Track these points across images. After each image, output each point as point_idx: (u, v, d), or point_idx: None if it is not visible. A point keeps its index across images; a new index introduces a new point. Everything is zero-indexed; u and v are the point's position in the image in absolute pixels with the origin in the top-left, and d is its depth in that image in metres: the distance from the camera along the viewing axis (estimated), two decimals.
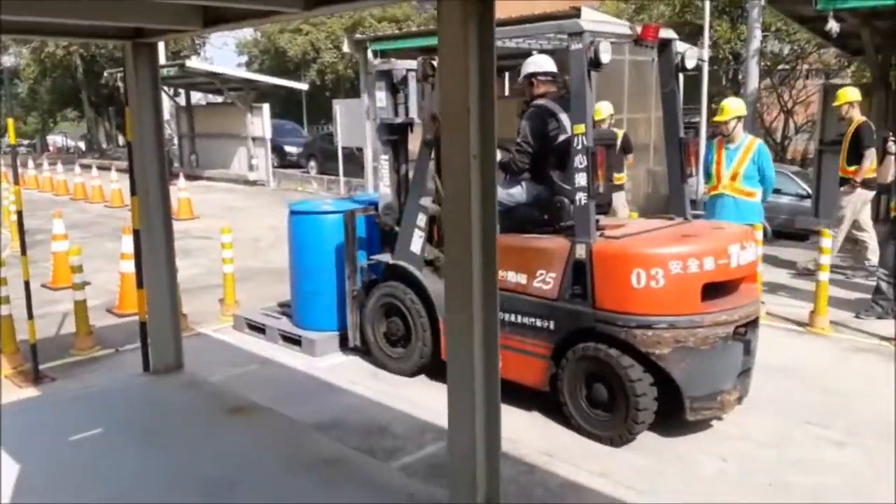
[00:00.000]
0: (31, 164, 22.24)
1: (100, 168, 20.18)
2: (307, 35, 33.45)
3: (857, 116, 7.92)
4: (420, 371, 5.53)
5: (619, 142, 8.50)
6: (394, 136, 5.78)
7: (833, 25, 8.29)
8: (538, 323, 4.63)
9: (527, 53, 5.33)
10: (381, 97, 5.71)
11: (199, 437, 3.53)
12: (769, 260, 8.34)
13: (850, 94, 7.95)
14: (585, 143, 4.40)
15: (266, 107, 20.73)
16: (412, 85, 5.61)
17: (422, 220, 5.36)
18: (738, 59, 19.56)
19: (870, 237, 7.97)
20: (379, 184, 5.90)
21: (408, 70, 5.60)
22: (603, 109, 8.42)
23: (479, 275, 2.57)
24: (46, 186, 19.78)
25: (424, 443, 4.42)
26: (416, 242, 5.40)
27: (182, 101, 25.08)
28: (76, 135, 44.09)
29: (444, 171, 2.65)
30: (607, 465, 4.13)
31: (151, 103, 4.32)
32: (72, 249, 6.59)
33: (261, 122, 20.59)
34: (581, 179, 4.43)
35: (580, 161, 4.42)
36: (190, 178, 18.92)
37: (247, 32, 38.28)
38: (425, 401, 5.00)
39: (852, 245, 8.39)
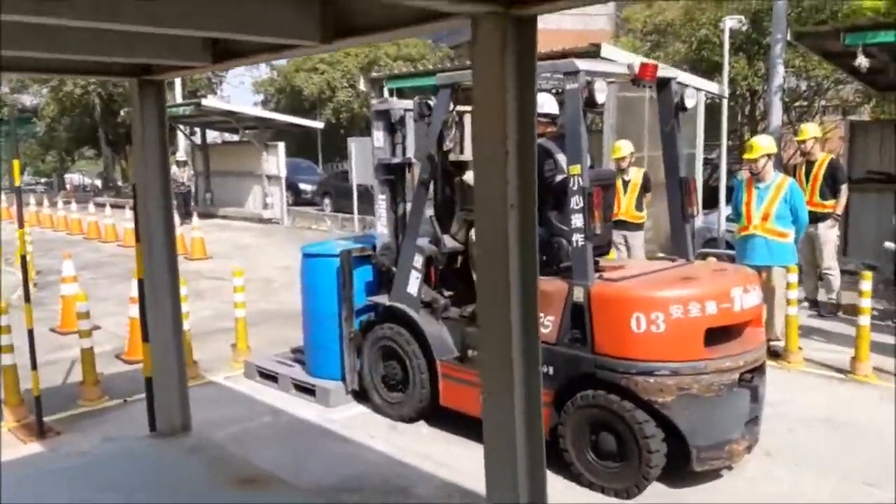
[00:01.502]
0: (46, 202, 22.19)
1: (113, 206, 20.16)
2: (323, 74, 33.59)
3: (819, 152, 8.07)
4: (419, 417, 5.33)
5: (640, 180, 8.29)
6: (391, 175, 5.69)
7: (862, 61, 8.14)
8: None
9: None
10: (379, 136, 5.66)
11: None
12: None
13: (813, 131, 8.10)
14: (581, 183, 4.28)
15: (281, 145, 20.72)
16: (410, 125, 5.55)
17: (418, 261, 5.25)
18: (754, 96, 19.38)
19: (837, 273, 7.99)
20: (377, 224, 5.74)
21: (405, 110, 5.54)
22: (623, 147, 8.27)
23: (519, 334, 2.32)
24: (61, 225, 19.72)
25: None
26: (413, 284, 5.26)
27: (198, 139, 25.12)
28: (93, 173, 44.34)
29: (477, 221, 2.44)
30: None
31: (158, 146, 4.04)
32: (79, 295, 6.39)
33: (276, 161, 20.54)
34: (577, 220, 4.31)
35: (576, 202, 4.32)
36: (204, 216, 18.74)
37: (263, 71, 38.54)
38: (447, 458, 4.74)
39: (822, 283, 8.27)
